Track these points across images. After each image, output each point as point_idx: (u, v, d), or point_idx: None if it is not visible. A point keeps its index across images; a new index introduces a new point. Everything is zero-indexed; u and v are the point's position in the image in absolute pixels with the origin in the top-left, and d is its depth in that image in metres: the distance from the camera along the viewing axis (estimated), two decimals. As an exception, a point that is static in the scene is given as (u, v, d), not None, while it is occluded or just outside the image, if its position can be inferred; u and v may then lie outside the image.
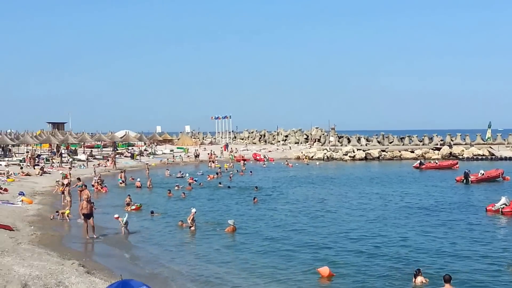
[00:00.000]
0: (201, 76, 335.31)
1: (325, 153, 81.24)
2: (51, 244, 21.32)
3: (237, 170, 59.70)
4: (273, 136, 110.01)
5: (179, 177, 52.22)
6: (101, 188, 41.80)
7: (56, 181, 39.22)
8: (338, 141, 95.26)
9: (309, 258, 20.46)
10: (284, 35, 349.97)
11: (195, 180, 47.60)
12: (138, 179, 45.46)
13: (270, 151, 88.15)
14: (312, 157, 79.79)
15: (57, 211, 28.61)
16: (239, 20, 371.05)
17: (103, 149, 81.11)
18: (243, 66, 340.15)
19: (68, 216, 27.72)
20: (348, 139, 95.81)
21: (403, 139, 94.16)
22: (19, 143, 71.15)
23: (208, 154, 74.50)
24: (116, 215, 26.36)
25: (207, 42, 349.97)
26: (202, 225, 27.01)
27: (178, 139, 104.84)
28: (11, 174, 45.80)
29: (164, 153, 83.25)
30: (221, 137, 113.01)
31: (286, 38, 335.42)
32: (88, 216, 23.83)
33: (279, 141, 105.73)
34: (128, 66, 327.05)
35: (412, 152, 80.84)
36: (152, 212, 30.57)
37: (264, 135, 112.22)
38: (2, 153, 66.03)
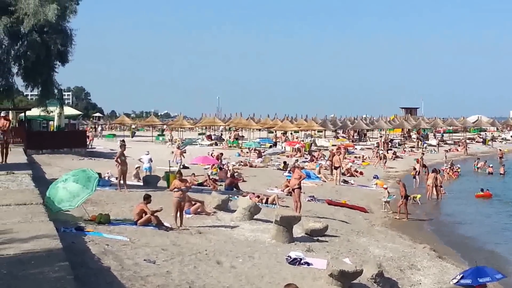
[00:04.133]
0: None
1: None
2: (402, 227, 22.19)
3: None
4: None
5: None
6: (453, 173, 41.60)
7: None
8: None
9: None
10: None
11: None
12: (491, 165, 43.96)
13: None
14: None
15: (408, 196, 29.39)
16: None
17: (453, 134, 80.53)
18: None
19: (419, 200, 28.42)
20: None
21: None
22: (373, 128, 74.69)
23: None
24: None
25: None
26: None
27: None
28: (366, 158, 48.36)
29: (518, 138, 78.88)
30: None
31: None
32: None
33: None
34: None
35: None
36: None
37: None
38: (358, 137, 70.23)
